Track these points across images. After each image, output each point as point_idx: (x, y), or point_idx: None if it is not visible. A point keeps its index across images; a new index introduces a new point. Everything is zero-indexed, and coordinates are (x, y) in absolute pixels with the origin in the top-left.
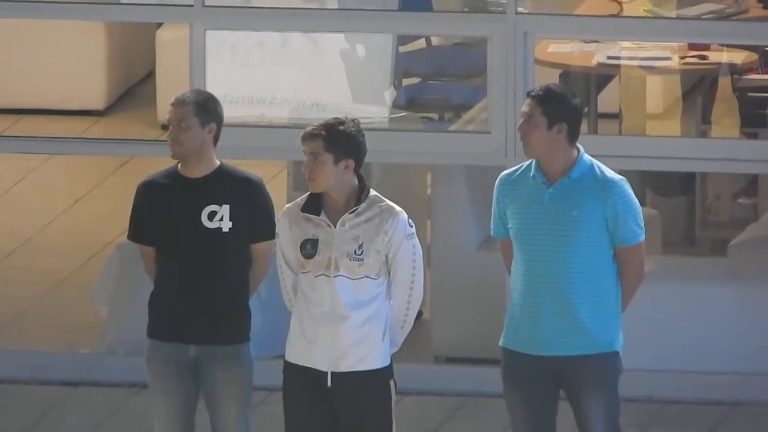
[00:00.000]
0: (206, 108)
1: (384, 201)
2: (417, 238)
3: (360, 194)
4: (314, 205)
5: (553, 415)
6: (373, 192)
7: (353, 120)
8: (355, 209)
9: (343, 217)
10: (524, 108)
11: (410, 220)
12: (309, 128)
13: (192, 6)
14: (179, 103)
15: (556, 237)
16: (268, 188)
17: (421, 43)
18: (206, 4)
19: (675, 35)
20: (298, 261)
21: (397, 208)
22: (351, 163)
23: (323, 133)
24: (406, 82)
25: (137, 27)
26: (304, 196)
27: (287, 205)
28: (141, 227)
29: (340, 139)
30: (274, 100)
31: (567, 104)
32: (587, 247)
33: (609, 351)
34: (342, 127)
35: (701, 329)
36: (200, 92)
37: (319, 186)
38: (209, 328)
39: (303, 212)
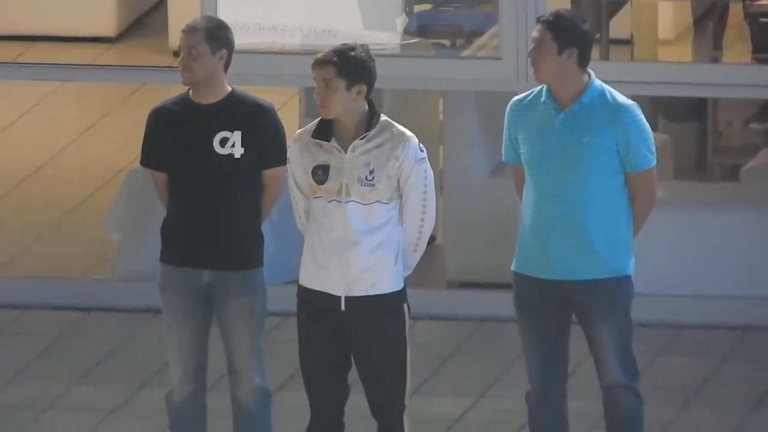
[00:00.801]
0: (217, 34)
1: (394, 126)
2: (428, 163)
3: (371, 120)
4: (325, 131)
5: (565, 340)
6: (383, 117)
7: (362, 45)
8: (366, 135)
9: (353, 143)
10: (534, 33)
11: (421, 145)
12: (320, 54)
13: None
14: (190, 30)
15: (567, 162)
16: (280, 115)
17: None
18: None
19: None
20: (309, 186)
21: (408, 133)
22: (363, 88)
23: (335, 58)
24: (417, 8)
25: None
26: (314, 122)
27: (298, 131)
28: (153, 153)
29: (351, 65)
30: (285, 27)
31: (577, 29)
32: (598, 172)
33: (620, 275)
34: (353, 53)
35: (713, 254)
36: (211, 19)
37: (330, 112)
38: (222, 254)
39: (314, 138)
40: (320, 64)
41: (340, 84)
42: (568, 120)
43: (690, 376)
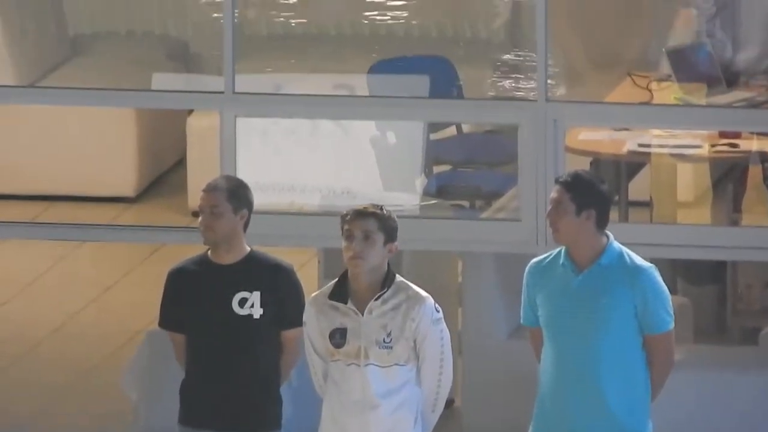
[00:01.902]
0: (238, 194)
1: (410, 287)
2: (444, 323)
3: (385, 280)
4: (341, 292)
5: None
6: (399, 278)
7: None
8: (382, 296)
9: (370, 305)
10: (552, 194)
11: (437, 305)
12: (358, 208)
13: (222, 93)
14: (211, 189)
15: (586, 324)
16: (299, 275)
17: (451, 131)
18: (236, 90)
19: (706, 123)
20: (327, 350)
21: (423, 293)
22: (395, 246)
23: (378, 212)
24: (436, 169)
25: (168, 114)
26: (329, 284)
27: (313, 294)
28: (171, 314)
29: (388, 222)
30: (305, 187)
31: (595, 190)
32: (616, 334)
33: None
34: (386, 212)
35: (732, 418)
36: (231, 178)
37: (365, 265)
38: (240, 416)
39: (331, 300)
40: (363, 215)
41: (380, 239)
42: (587, 282)
43: None
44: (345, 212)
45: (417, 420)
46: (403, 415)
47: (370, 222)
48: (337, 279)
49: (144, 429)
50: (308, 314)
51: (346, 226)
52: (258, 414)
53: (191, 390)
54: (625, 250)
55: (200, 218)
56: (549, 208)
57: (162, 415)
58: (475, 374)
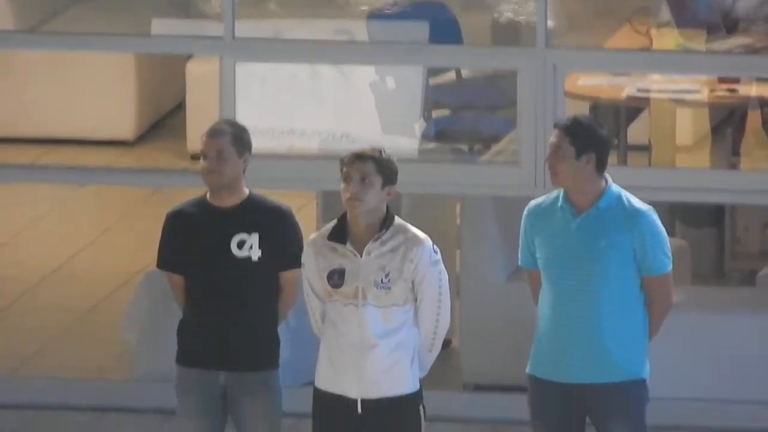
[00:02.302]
0: (241, 138)
1: (409, 229)
2: (442, 265)
3: (384, 222)
4: (340, 234)
5: None
6: (397, 220)
7: (382, 150)
8: (380, 238)
9: (368, 245)
10: (552, 139)
11: (435, 247)
12: (356, 151)
13: (222, 38)
14: (216, 134)
15: (584, 267)
16: (297, 218)
17: (451, 76)
18: (236, 36)
19: (705, 69)
20: (325, 291)
21: (422, 235)
22: (393, 189)
23: (375, 155)
24: (435, 113)
25: (167, 59)
26: (328, 225)
27: (312, 236)
28: (169, 255)
29: (388, 165)
30: (304, 132)
31: (595, 134)
32: (615, 277)
33: (636, 378)
34: (385, 155)
35: (729, 359)
36: (234, 123)
37: (362, 207)
38: (238, 356)
39: (329, 240)
40: (361, 159)
41: (378, 182)
42: (585, 224)
43: None
44: (344, 155)
45: (414, 360)
46: (400, 356)
47: (368, 165)
48: (336, 220)
49: (143, 370)
50: (307, 255)
51: (344, 169)
52: (255, 354)
53: (189, 330)
54: (624, 192)
55: (204, 162)
56: (548, 152)
57: (161, 356)
58: (472, 316)
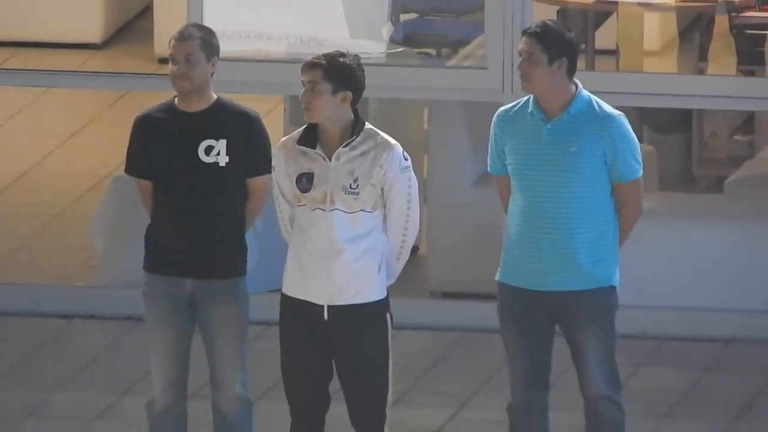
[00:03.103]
0: (210, 42)
1: (379, 134)
2: (412, 171)
3: (354, 127)
4: (310, 138)
5: (548, 350)
6: (368, 125)
7: (355, 55)
8: (350, 142)
9: (338, 150)
10: (522, 46)
11: (405, 153)
12: (310, 58)
13: None
14: (186, 38)
15: (555, 172)
16: (265, 123)
17: None
18: None
19: None
20: (294, 195)
21: (392, 141)
22: (348, 95)
23: (324, 62)
24: (403, 17)
25: None
26: (299, 129)
27: (282, 139)
28: (137, 161)
29: (339, 70)
30: (272, 35)
31: (565, 39)
32: (586, 182)
33: (605, 286)
34: (342, 59)
35: (697, 266)
36: (202, 26)
37: (315, 116)
38: (206, 262)
39: (299, 145)
40: (309, 66)
41: (326, 88)
42: (556, 130)
43: (672, 388)
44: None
45: (381, 267)
46: (367, 262)
47: (316, 72)
48: (306, 125)
49: (110, 277)
50: (276, 158)
51: (301, 77)
52: (223, 260)
53: (157, 236)
54: (594, 98)
55: (172, 67)
56: (520, 59)
57: (129, 262)
58: (440, 222)
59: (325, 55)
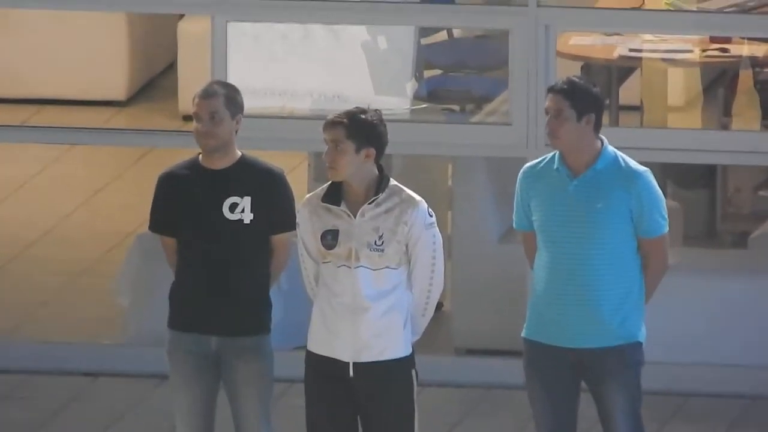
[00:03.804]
0: (235, 99)
1: (404, 191)
2: (437, 228)
3: (380, 184)
4: (334, 195)
5: (574, 407)
6: (392, 182)
7: (375, 110)
8: (375, 199)
9: (362, 207)
10: (549, 103)
11: (430, 210)
12: (331, 116)
13: None
14: (210, 96)
15: (581, 229)
16: (289, 179)
17: (442, 35)
18: None
19: (697, 28)
20: (318, 251)
21: (417, 197)
22: (372, 151)
23: (345, 120)
24: (427, 74)
25: (159, 18)
26: (324, 186)
27: (307, 196)
28: (161, 218)
29: (361, 128)
30: (296, 92)
31: (592, 95)
32: (612, 239)
33: (631, 342)
34: (363, 116)
35: (722, 322)
36: (226, 84)
37: (339, 174)
38: (230, 320)
39: (324, 202)
40: (331, 125)
41: (350, 146)
42: (582, 186)
43: None
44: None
45: (407, 324)
46: (393, 318)
47: (338, 130)
48: (330, 181)
49: (134, 333)
50: (301, 215)
51: (323, 135)
52: (248, 318)
53: (181, 293)
54: (620, 154)
55: (197, 124)
56: (548, 117)
57: (152, 319)
58: (464, 278)
59: (347, 113)
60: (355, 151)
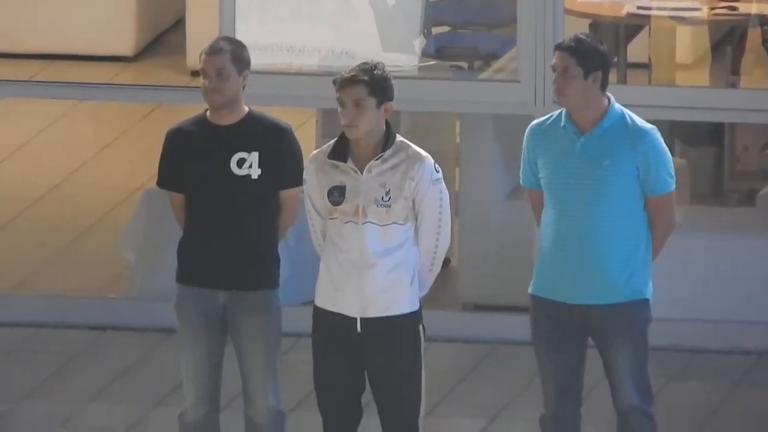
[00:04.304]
0: (241, 56)
1: (410, 147)
2: (443, 183)
3: (386, 140)
4: (341, 151)
5: (581, 364)
6: (399, 138)
7: (380, 63)
8: (382, 155)
9: (369, 163)
10: (556, 60)
11: (436, 165)
12: (347, 74)
13: None
14: (216, 52)
15: (588, 186)
16: (297, 135)
17: None
18: None
19: None
20: (325, 208)
21: (423, 153)
22: (390, 106)
23: (365, 78)
24: (435, 30)
25: None
26: (330, 142)
27: (314, 152)
28: (169, 174)
29: (380, 83)
30: (303, 48)
31: (599, 52)
32: (618, 196)
33: (639, 299)
34: (378, 71)
35: (729, 279)
36: (232, 40)
37: (360, 131)
38: (238, 275)
39: (330, 159)
40: (351, 83)
41: (372, 103)
42: (589, 144)
43: (704, 401)
44: (336, 78)
45: (414, 279)
46: (400, 274)
47: (359, 89)
48: (337, 138)
49: (141, 289)
50: (308, 172)
51: (337, 94)
52: (255, 273)
53: (189, 249)
54: (627, 111)
55: (204, 81)
56: (555, 74)
57: (160, 274)
58: (471, 235)
59: (363, 70)
60: (377, 107)
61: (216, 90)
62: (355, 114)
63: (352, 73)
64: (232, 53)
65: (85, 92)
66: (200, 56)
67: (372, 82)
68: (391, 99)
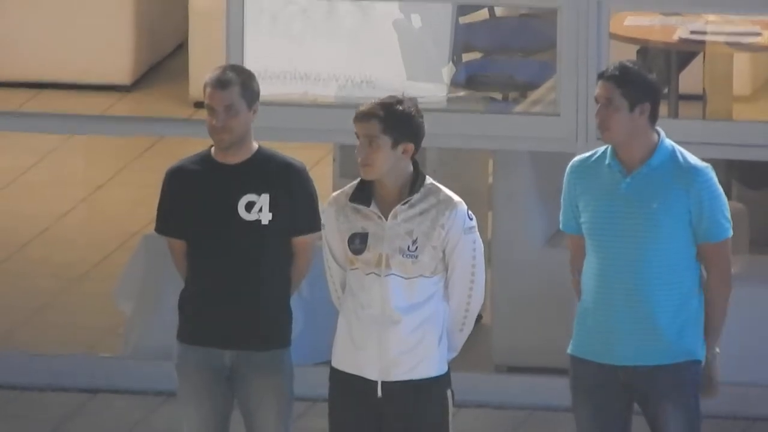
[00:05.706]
0: (251, 87)
1: (441, 190)
2: (477, 232)
3: (414, 183)
4: (364, 194)
5: (626, 430)
6: (429, 180)
7: (411, 98)
8: (409, 200)
9: (395, 208)
10: (599, 91)
11: (470, 212)
12: (363, 107)
13: None
14: (223, 85)
15: (634, 231)
16: (312, 175)
17: (483, 14)
18: None
19: (766, 8)
20: (345, 256)
21: (456, 198)
22: (410, 147)
23: (380, 113)
24: (466, 57)
25: None
26: (352, 183)
27: (334, 194)
28: (170, 219)
29: (398, 121)
30: (319, 76)
31: (647, 82)
32: (668, 243)
33: (689, 360)
34: (400, 107)
35: None
36: (240, 69)
37: (374, 173)
38: (246, 332)
39: (352, 202)
40: (364, 118)
41: (385, 141)
42: (636, 184)
43: None
44: (357, 108)
45: (442, 338)
46: (426, 333)
47: (372, 125)
48: (359, 179)
49: (137, 345)
50: (327, 215)
51: (354, 128)
52: (265, 330)
53: (192, 303)
54: (678, 148)
55: (211, 118)
56: (598, 106)
57: (158, 330)
58: (506, 287)
59: (381, 104)
60: (392, 147)
61: (225, 128)
62: (367, 152)
63: (367, 107)
64: (241, 85)
65: (77, 125)
66: (205, 88)
67: (387, 119)
68: (412, 140)
